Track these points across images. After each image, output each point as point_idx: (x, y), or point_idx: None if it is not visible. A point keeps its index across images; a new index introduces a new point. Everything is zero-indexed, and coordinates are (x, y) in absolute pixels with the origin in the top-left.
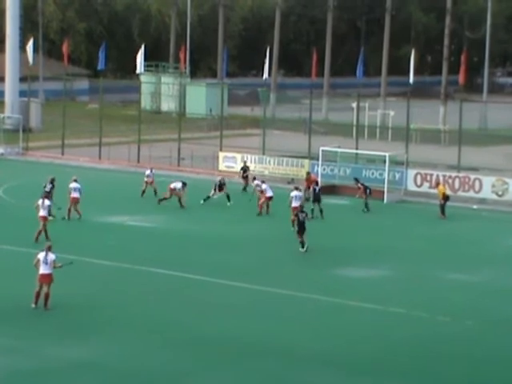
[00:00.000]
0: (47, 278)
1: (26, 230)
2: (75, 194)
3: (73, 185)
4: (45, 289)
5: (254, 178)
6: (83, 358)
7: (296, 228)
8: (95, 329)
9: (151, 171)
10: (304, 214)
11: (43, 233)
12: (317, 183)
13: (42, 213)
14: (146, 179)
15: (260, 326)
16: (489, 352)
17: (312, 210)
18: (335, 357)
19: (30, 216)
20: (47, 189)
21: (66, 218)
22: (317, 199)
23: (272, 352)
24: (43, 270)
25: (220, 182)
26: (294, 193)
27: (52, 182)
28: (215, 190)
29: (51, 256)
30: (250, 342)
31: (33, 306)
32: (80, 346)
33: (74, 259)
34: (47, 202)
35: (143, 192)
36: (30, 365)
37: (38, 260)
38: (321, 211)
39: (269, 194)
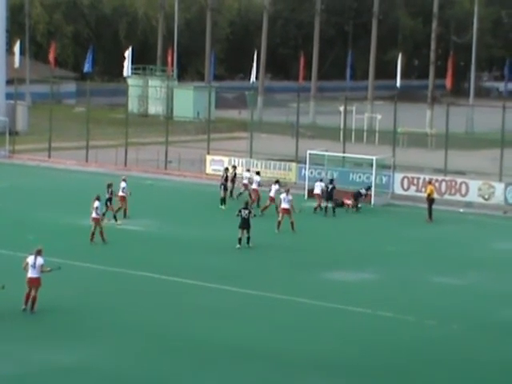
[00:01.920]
0: (34, 282)
1: (11, 232)
2: (121, 193)
3: (121, 184)
4: (32, 292)
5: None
6: (69, 362)
7: (239, 223)
8: (82, 333)
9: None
10: (247, 211)
11: (98, 234)
12: (331, 182)
13: (93, 214)
14: (245, 181)
15: (248, 330)
16: (474, 356)
17: (325, 207)
18: (323, 360)
19: (15, 218)
20: (107, 195)
21: (124, 216)
22: (329, 197)
23: (260, 356)
24: (31, 273)
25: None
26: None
27: (109, 187)
28: (221, 188)
29: (39, 260)
30: (238, 346)
31: (23, 307)
32: (66, 350)
33: (62, 263)
34: (97, 203)
35: (240, 194)
36: (15, 369)
37: (27, 263)
38: (333, 209)
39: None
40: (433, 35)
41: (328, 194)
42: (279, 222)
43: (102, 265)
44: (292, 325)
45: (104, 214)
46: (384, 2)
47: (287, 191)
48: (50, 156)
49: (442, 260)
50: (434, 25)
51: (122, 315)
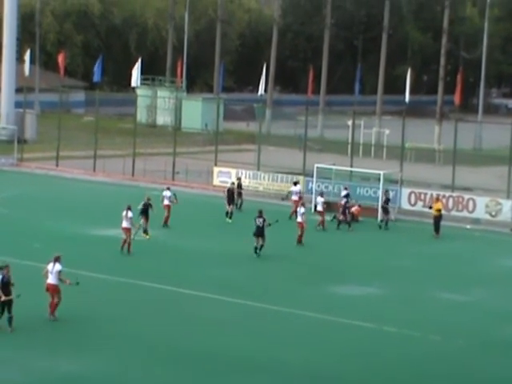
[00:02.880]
0: (51, 288)
1: (17, 240)
2: (166, 202)
3: (165, 193)
4: (50, 299)
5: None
6: (72, 371)
7: (253, 232)
8: (86, 342)
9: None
10: (262, 219)
11: (127, 243)
12: (347, 196)
13: (125, 224)
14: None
15: (251, 342)
16: (479, 372)
17: (336, 219)
18: (327, 374)
19: (22, 227)
20: (141, 207)
21: (163, 224)
22: (343, 211)
23: (264, 368)
24: (49, 279)
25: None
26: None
27: (148, 201)
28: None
29: (57, 267)
30: (242, 358)
31: (48, 317)
32: (71, 359)
33: (68, 272)
34: (130, 213)
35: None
36: (18, 376)
37: (47, 270)
38: (347, 222)
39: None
40: (442, 51)
41: (343, 208)
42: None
43: (108, 274)
44: (296, 338)
45: (139, 228)
46: (394, 17)
47: (302, 204)
48: (57, 165)
49: (448, 276)
50: (444, 40)
51: (126, 325)
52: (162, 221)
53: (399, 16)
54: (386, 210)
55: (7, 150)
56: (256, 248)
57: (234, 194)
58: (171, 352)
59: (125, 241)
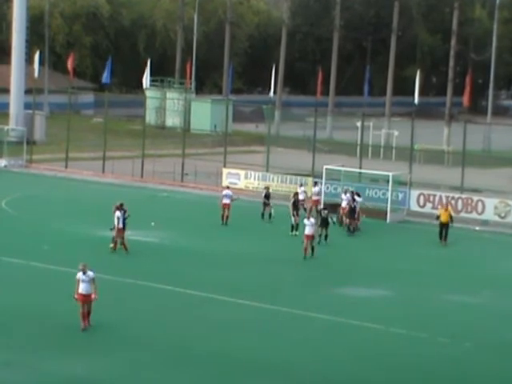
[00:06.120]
0: (88, 297)
1: (26, 242)
2: (225, 200)
3: (224, 192)
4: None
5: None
6: (78, 373)
7: (318, 223)
8: (95, 344)
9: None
10: (326, 211)
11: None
12: (354, 200)
13: (120, 225)
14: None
15: (260, 345)
16: (487, 373)
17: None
18: (335, 375)
19: (31, 228)
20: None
21: (223, 222)
22: (352, 216)
23: (273, 370)
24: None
25: (265, 194)
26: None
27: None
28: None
29: (78, 275)
30: (252, 360)
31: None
32: (77, 361)
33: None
34: (117, 213)
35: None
36: (25, 378)
37: (78, 280)
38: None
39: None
40: (451, 52)
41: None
42: (305, 249)
43: (116, 276)
44: (306, 339)
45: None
46: (403, 19)
47: (312, 215)
48: (66, 166)
49: (457, 278)
50: (453, 42)
51: (135, 327)
52: (224, 220)
53: (408, 17)
54: (352, 215)
55: (16, 151)
56: (320, 235)
57: (298, 205)
58: (182, 354)
59: (122, 243)
